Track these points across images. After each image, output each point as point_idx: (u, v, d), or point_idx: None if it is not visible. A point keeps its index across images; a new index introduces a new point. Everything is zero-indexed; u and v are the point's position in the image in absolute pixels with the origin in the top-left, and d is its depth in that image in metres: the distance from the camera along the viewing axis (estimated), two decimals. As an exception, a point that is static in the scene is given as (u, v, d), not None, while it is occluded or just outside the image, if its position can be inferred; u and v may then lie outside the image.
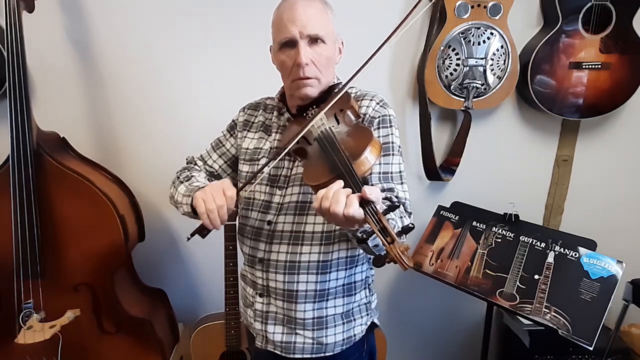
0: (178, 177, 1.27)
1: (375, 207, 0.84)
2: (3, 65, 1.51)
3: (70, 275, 1.62)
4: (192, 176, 1.25)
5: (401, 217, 1.06)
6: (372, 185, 1.10)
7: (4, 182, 1.52)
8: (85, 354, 1.68)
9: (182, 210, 1.19)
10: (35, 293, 1.58)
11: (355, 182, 0.88)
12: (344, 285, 1.20)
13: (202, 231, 1.05)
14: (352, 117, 1.11)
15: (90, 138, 1.88)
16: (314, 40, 1.10)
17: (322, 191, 0.87)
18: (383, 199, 1.01)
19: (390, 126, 1.17)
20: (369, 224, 0.84)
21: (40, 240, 1.55)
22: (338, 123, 1.08)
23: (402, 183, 1.14)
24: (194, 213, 1.10)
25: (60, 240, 1.59)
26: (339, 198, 0.84)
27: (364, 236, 0.88)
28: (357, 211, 0.83)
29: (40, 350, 1.57)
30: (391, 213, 0.90)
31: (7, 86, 1.49)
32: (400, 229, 0.84)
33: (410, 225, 0.85)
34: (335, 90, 1.17)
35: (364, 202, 0.84)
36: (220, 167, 1.33)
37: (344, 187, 0.87)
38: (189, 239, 1.05)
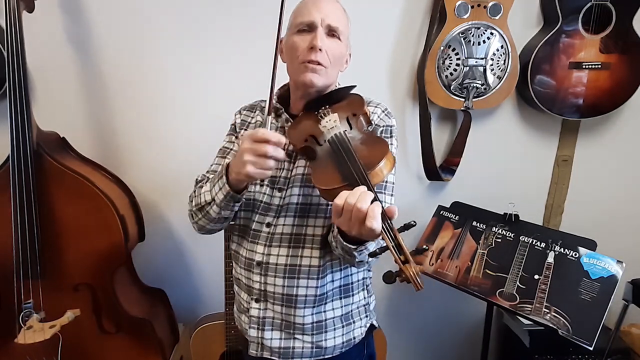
0: (195, 191, 1.20)
1: (391, 222, 0.84)
2: (3, 65, 1.51)
3: (70, 275, 1.62)
4: (208, 178, 1.18)
5: None
6: None
7: (4, 182, 1.52)
8: (85, 354, 1.68)
9: (216, 207, 1.09)
10: (35, 293, 1.58)
11: (373, 192, 0.87)
12: (340, 286, 1.19)
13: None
14: (364, 124, 1.09)
15: (90, 138, 1.88)
16: (332, 32, 1.11)
17: (345, 192, 0.86)
18: None
19: (391, 137, 1.16)
20: (384, 239, 0.83)
21: (40, 240, 1.55)
22: (351, 128, 1.06)
23: (391, 195, 1.14)
24: (236, 192, 1.04)
25: (60, 240, 1.59)
26: (366, 197, 0.84)
27: (377, 251, 0.86)
28: (379, 224, 0.82)
29: (40, 350, 1.57)
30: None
31: (7, 86, 1.49)
32: (415, 249, 0.83)
33: (425, 247, 0.85)
34: (351, 92, 1.16)
35: (382, 216, 0.83)
36: None
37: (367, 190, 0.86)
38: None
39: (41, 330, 1.52)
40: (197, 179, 1.27)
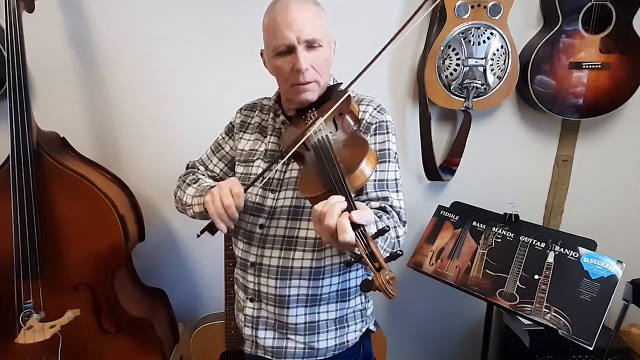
0: (184, 181, 1.27)
1: (365, 230, 0.82)
2: (3, 65, 1.51)
3: (70, 275, 1.62)
4: (199, 179, 1.25)
5: (395, 227, 1.04)
6: (367, 193, 1.09)
7: (4, 182, 1.52)
8: (85, 354, 1.68)
9: (192, 212, 1.18)
10: (35, 293, 1.58)
11: (347, 200, 0.85)
12: (337, 290, 1.18)
13: (212, 229, 1.05)
14: (351, 122, 1.08)
15: (90, 138, 1.88)
16: (311, 45, 1.07)
17: (321, 203, 0.86)
18: (375, 209, 1.00)
19: (387, 132, 1.14)
20: (358, 247, 0.81)
21: (40, 240, 1.55)
22: (336, 129, 1.05)
23: (397, 191, 1.13)
24: (206, 213, 1.09)
25: (60, 240, 1.59)
26: (333, 211, 0.82)
27: (353, 259, 0.85)
28: (349, 236, 0.81)
29: (40, 350, 1.57)
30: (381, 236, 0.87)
31: (7, 86, 1.49)
32: (388, 255, 0.81)
33: (399, 252, 0.82)
34: (338, 90, 1.14)
35: (354, 226, 0.81)
36: (221, 170, 1.33)
37: (343, 200, 0.85)
38: (199, 235, 1.07)
39: (41, 330, 1.52)
40: (188, 164, 1.38)
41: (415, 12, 1.06)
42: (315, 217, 0.86)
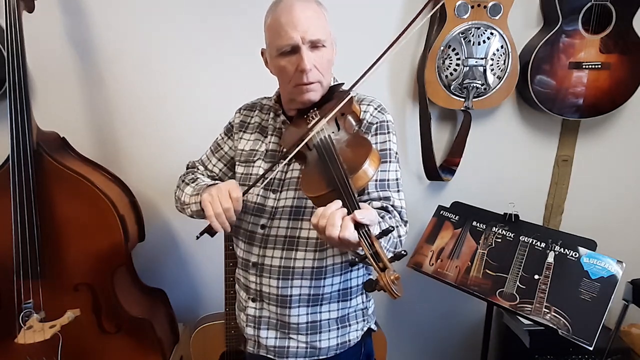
0: (183, 180, 1.28)
1: (369, 230, 0.82)
2: (3, 65, 1.51)
3: (70, 275, 1.62)
4: (197, 178, 1.25)
5: (397, 227, 1.04)
6: (368, 193, 1.10)
7: (4, 182, 1.52)
8: (85, 354, 1.67)
9: (190, 211, 1.18)
10: (35, 293, 1.58)
11: (351, 200, 0.86)
12: (339, 290, 1.19)
13: (211, 231, 1.04)
14: (353, 123, 1.08)
15: (90, 138, 1.88)
16: (315, 45, 1.07)
17: (320, 209, 0.86)
18: (377, 209, 1.00)
19: (388, 132, 1.15)
20: (362, 247, 0.82)
21: (40, 240, 1.55)
22: (338, 129, 1.06)
23: (398, 191, 1.13)
24: (203, 212, 1.09)
25: (60, 240, 1.59)
26: (334, 221, 0.82)
27: (356, 259, 0.85)
28: (352, 235, 0.81)
29: (40, 350, 1.57)
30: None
31: (7, 86, 1.49)
32: (392, 255, 0.81)
33: (403, 252, 0.82)
34: (340, 90, 1.14)
35: (358, 225, 0.82)
36: (220, 170, 1.33)
37: (341, 207, 0.85)
38: (198, 237, 1.05)
39: (41, 330, 1.52)
40: (187, 164, 1.38)
41: (419, 14, 1.06)
42: (315, 228, 0.86)
